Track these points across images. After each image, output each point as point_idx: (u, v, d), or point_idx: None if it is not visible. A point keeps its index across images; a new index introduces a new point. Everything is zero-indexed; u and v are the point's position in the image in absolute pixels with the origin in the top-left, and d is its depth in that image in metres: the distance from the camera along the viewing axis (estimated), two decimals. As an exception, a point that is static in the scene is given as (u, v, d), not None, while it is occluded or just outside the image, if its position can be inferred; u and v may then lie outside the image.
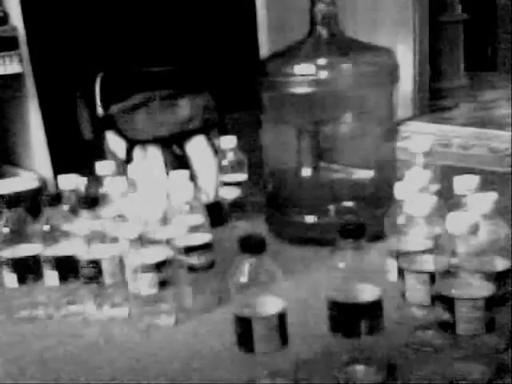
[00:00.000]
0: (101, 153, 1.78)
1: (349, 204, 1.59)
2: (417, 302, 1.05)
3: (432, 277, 1.00)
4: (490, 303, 0.92)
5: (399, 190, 1.17)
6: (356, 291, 0.95)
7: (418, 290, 1.04)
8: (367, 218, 1.30)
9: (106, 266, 1.24)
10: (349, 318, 0.95)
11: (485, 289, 0.93)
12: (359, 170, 1.65)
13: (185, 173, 1.37)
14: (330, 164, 1.67)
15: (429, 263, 1.01)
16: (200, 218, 1.27)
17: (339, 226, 0.95)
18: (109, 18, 2.30)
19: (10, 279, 1.27)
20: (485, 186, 1.12)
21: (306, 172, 1.67)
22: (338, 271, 0.95)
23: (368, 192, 1.59)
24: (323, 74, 1.51)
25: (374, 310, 0.95)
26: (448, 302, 0.93)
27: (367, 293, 0.95)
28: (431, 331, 1.04)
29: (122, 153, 1.77)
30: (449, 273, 0.95)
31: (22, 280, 1.27)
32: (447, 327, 0.94)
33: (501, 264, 0.99)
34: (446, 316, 0.94)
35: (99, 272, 1.24)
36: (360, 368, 0.99)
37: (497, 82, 4.09)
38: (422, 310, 1.04)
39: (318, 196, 1.62)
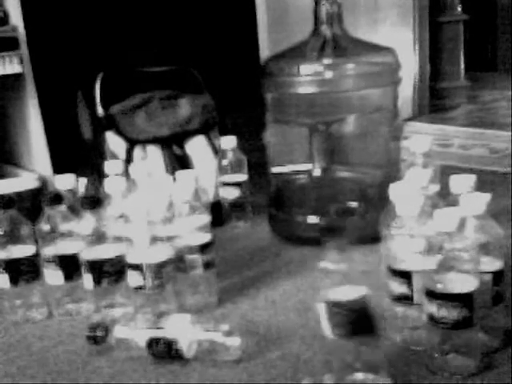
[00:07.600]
0: (101, 153, 1.78)
1: (354, 204, 1.58)
2: (408, 301, 1.05)
3: (425, 276, 1.00)
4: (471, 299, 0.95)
5: (393, 191, 1.17)
6: (348, 292, 0.95)
7: (409, 289, 1.04)
8: (372, 219, 1.29)
9: (107, 267, 1.24)
10: (341, 318, 0.95)
11: (472, 285, 0.95)
12: (368, 171, 1.65)
13: (191, 172, 1.37)
14: (338, 164, 1.67)
15: (420, 262, 1.01)
16: (201, 218, 1.27)
17: (320, 226, 0.95)
18: (109, 18, 2.30)
19: (3, 280, 1.27)
20: (485, 186, 1.12)
21: (313, 172, 1.67)
22: (328, 272, 0.96)
23: (374, 193, 1.58)
24: (329, 74, 1.51)
25: (366, 310, 0.96)
26: (437, 298, 0.95)
27: (360, 293, 0.95)
28: (423, 329, 1.03)
29: (121, 153, 1.77)
30: (438, 270, 0.96)
31: (14, 281, 1.26)
32: (436, 322, 0.96)
33: (492, 264, 1.00)
34: (434, 310, 0.95)
35: (101, 272, 1.24)
36: (358, 370, 0.99)
37: (497, 82, 4.09)
38: (413, 308, 1.05)
39: (325, 196, 1.61)
